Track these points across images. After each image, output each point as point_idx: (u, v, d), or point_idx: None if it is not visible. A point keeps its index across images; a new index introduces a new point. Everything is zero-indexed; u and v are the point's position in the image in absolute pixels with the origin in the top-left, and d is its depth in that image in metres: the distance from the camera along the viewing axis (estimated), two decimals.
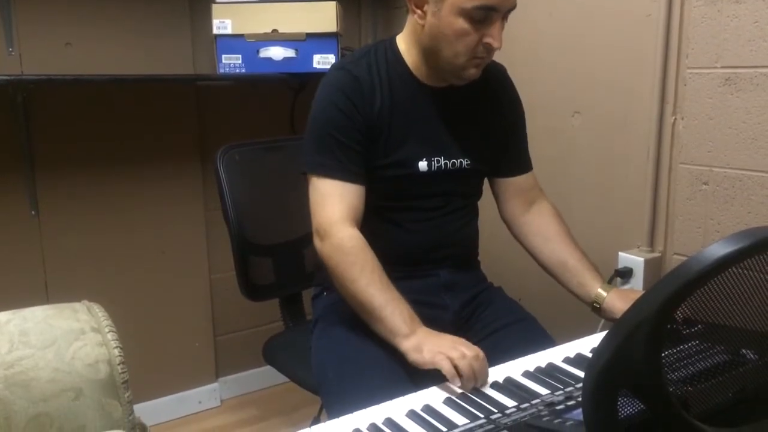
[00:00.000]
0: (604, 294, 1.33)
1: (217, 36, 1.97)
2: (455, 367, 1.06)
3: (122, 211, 2.11)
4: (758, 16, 1.39)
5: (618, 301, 1.31)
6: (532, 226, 1.46)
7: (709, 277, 0.63)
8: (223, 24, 1.95)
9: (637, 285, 1.65)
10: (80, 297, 1.99)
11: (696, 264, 0.62)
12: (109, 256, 2.11)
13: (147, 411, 2.11)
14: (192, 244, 2.25)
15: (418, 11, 1.26)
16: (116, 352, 1.08)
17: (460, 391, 1.04)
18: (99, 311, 1.16)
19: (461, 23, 1.20)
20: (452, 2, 1.19)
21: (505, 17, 1.23)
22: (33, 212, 1.95)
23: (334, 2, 1.96)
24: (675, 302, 0.64)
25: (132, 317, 2.07)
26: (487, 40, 1.21)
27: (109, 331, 1.10)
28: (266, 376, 2.37)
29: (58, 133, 1.97)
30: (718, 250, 0.62)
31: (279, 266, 1.71)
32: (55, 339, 1.06)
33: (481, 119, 1.40)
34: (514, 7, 1.22)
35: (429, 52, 1.28)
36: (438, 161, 1.35)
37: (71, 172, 2.01)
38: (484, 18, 1.19)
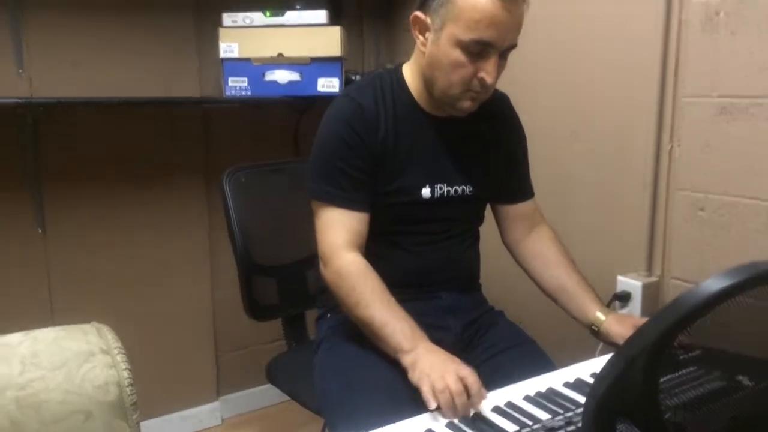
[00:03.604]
0: (603, 317, 1.36)
1: (224, 59, 2.01)
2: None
3: (127, 230, 2.14)
4: (753, 47, 1.43)
5: (615, 325, 1.34)
6: (533, 250, 1.49)
7: (705, 311, 0.65)
8: (230, 48, 1.99)
9: (635, 309, 1.67)
10: (84, 314, 2.01)
11: (692, 298, 0.65)
12: (113, 274, 2.14)
13: (147, 430, 2.11)
14: (195, 263, 2.28)
15: (421, 38, 1.30)
16: (125, 374, 1.10)
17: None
18: (108, 333, 1.17)
19: (457, 54, 1.23)
20: (450, 33, 1.22)
21: (504, 56, 1.26)
22: (39, 230, 1.98)
23: (339, 27, 2.00)
24: (672, 334, 0.67)
25: (134, 334, 2.06)
26: (482, 74, 1.24)
27: (118, 353, 1.12)
28: (267, 394, 2.38)
29: (66, 152, 2.01)
30: (714, 284, 0.65)
31: (282, 287, 1.73)
32: (65, 361, 1.08)
33: (483, 147, 1.43)
34: (513, 46, 1.25)
35: (428, 81, 1.32)
36: (441, 188, 1.38)
37: (78, 191, 2.04)
38: (480, 52, 1.22)
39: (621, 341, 1.31)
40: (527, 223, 1.51)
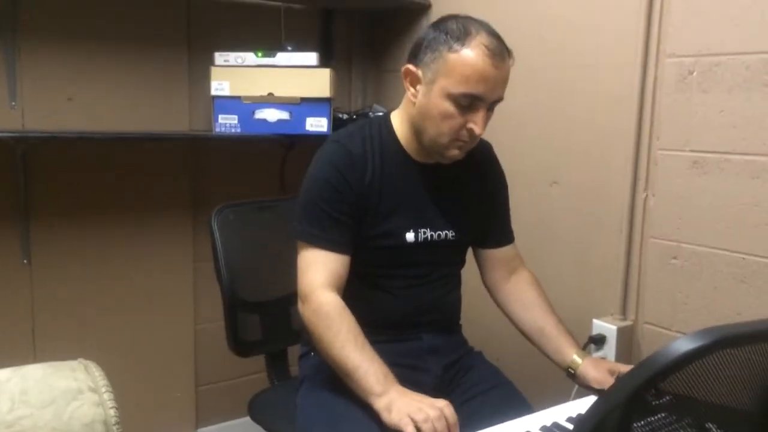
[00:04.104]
0: (579, 361, 1.41)
1: (214, 97, 2.04)
2: (419, 430, 1.12)
3: (113, 261, 2.15)
4: (724, 106, 1.51)
5: (591, 369, 1.39)
6: (513, 294, 1.54)
7: (675, 370, 0.70)
8: (221, 86, 2.03)
9: (610, 351, 1.72)
10: (65, 343, 2.02)
11: (662, 358, 0.70)
12: (96, 305, 2.14)
13: None
14: (179, 295, 2.29)
15: (412, 89, 1.35)
16: (112, 412, 1.12)
17: None
18: (96, 370, 1.19)
19: (448, 106, 1.28)
20: (442, 86, 1.28)
21: (491, 107, 1.32)
22: (24, 260, 1.99)
23: (329, 70, 2.06)
24: (644, 391, 0.72)
25: (114, 364, 2.06)
26: (470, 125, 1.30)
27: (105, 391, 1.14)
28: (246, 427, 2.38)
29: (55, 184, 2.02)
30: (683, 345, 0.70)
31: (266, 323, 1.75)
32: (53, 398, 1.09)
33: (466, 193, 1.48)
34: (500, 99, 1.32)
35: (417, 129, 1.37)
36: (424, 233, 1.42)
37: (65, 223, 2.05)
38: (469, 104, 1.28)
39: (596, 385, 1.36)
40: (507, 267, 1.56)
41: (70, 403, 1.09)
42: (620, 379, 0.72)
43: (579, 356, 1.42)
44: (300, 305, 1.36)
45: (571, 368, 1.41)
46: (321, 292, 1.32)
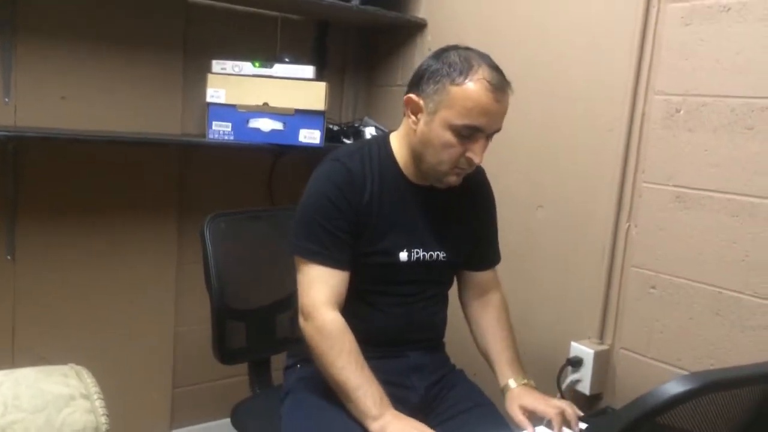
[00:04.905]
0: (511, 386, 1.46)
1: (210, 104, 2.05)
2: None
3: (97, 261, 2.15)
4: (708, 145, 1.56)
5: (511, 399, 1.44)
6: (474, 316, 1.60)
7: (664, 411, 0.74)
8: (216, 93, 2.04)
9: (586, 374, 1.77)
10: (44, 341, 2.00)
11: (652, 400, 0.74)
12: (78, 302, 2.13)
13: None
14: (161, 297, 2.29)
15: (413, 117, 1.38)
16: (103, 419, 1.13)
17: None
18: (87, 377, 1.20)
19: (449, 136, 1.32)
20: (443, 117, 1.32)
21: (489, 137, 1.36)
22: (8, 256, 1.97)
23: (324, 83, 2.08)
24: (633, 429, 0.76)
25: (92, 364, 2.06)
26: (470, 154, 1.34)
27: (97, 398, 1.15)
28: (221, 429, 2.39)
29: (44, 181, 2.01)
30: (673, 388, 0.74)
31: (252, 331, 1.77)
32: (46, 404, 1.10)
33: (459, 217, 1.52)
34: (498, 129, 1.36)
35: (416, 155, 1.40)
36: (417, 253, 1.46)
37: (52, 221, 2.04)
38: (470, 135, 1.32)
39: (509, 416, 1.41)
40: (480, 289, 1.60)
41: (62, 409, 1.10)
42: (612, 416, 0.76)
43: (515, 381, 1.46)
44: (302, 321, 1.38)
45: (503, 392, 1.47)
46: (324, 310, 1.35)
